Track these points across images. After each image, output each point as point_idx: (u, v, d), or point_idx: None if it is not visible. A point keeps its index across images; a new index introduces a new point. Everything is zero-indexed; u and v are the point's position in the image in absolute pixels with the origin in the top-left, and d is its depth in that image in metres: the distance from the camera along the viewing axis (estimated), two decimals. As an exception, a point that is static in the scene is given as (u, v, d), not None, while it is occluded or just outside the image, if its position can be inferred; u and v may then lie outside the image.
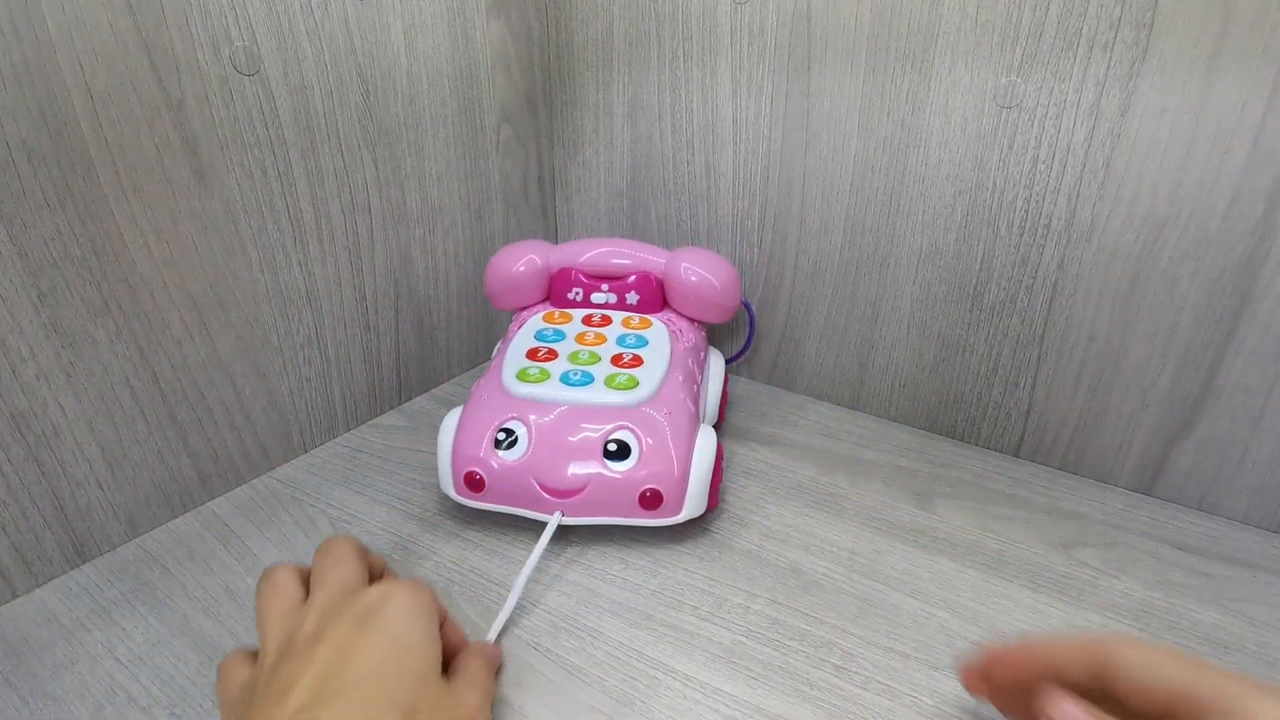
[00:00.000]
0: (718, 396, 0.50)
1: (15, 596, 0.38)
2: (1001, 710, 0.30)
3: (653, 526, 0.41)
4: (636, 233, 0.62)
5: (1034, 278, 0.46)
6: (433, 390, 0.60)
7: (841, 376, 0.57)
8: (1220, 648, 0.36)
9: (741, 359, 0.60)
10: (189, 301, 0.42)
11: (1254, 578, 0.41)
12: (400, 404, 0.57)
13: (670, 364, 0.45)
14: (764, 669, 0.34)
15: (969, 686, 0.30)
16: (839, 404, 0.58)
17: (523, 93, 0.60)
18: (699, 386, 0.47)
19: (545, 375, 0.43)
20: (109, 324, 0.39)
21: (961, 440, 0.53)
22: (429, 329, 0.58)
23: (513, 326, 0.50)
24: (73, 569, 0.40)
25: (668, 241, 0.61)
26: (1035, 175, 0.44)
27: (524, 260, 0.51)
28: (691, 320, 0.51)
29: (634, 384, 0.42)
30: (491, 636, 0.35)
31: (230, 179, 0.42)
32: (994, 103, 0.44)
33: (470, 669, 0.30)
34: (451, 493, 0.42)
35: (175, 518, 0.44)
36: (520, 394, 0.42)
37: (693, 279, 0.50)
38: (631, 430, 0.40)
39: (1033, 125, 0.43)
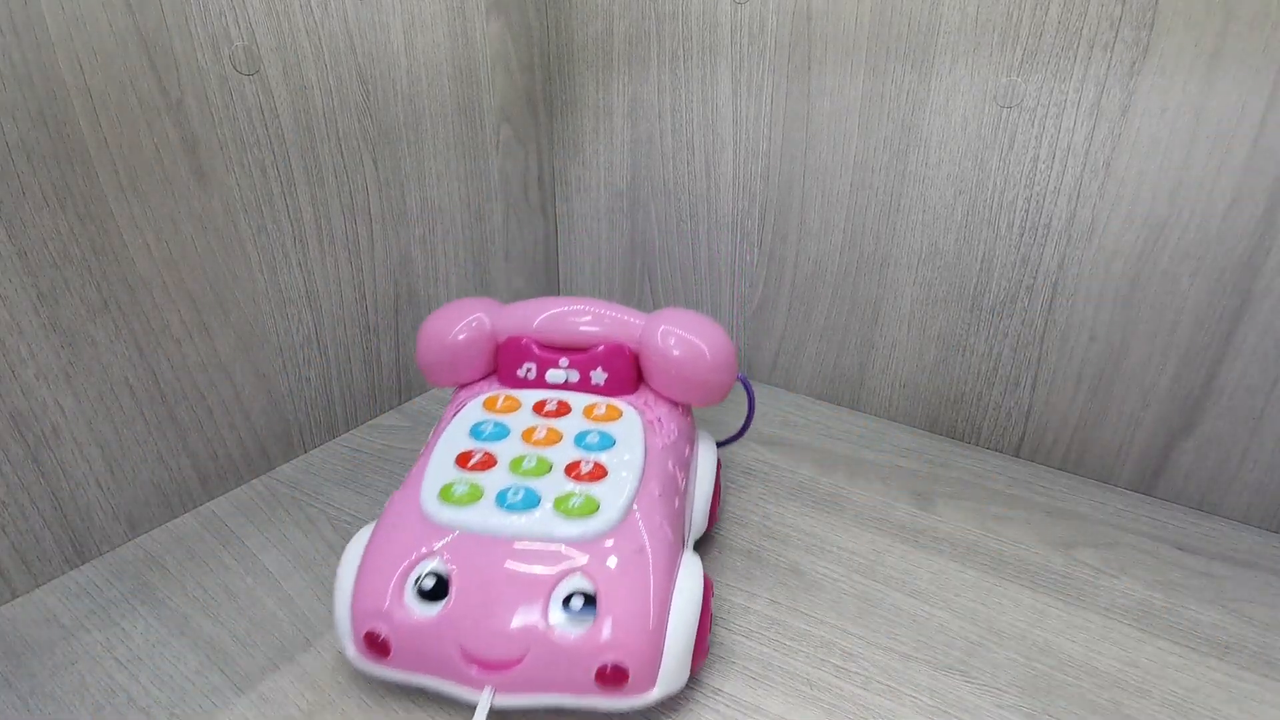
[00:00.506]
0: (708, 499, 0.40)
1: (15, 597, 0.38)
2: None
3: (613, 711, 0.31)
4: (636, 233, 0.62)
5: (1034, 278, 0.46)
6: (432, 390, 0.60)
7: (841, 376, 0.57)
8: (1220, 648, 0.36)
9: (738, 440, 0.51)
10: (189, 301, 0.42)
11: (1254, 578, 0.41)
12: (400, 404, 0.57)
13: (644, 472, 0.34)
14: (764, 669, 0.34)
15: None
16: (839, 404, 0.58)
17: (523, 93, 0.60)
18: (682, 496, 0.36)
19: (476, 494, 0.32)
20: (109, 324, 0.39)
21: (961, 440, 0.53)
22: (429, 329, 0.58)
23: (448, 410, 0.39)
24: (72, 569, 0.40)
25: (667, 241, 0.61)
26: (1035, 175, 0.44)
27: (466, 324, 0.40)
28: (675, 403, 0.40)
29: (593, 508, 0.31)
30: None
31: (230, 179, 0.42)
32: (994, 103, 0.44)
33: None
34: (349, 653, 0.31)
35: (175, 518, 0.44)
36: (443, 520, 0.31)
37: (676, 353, 0.38)
38: (588, 577, 0.30)
39: (1033, 125, 0.43)
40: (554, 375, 0.40)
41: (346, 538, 0.43)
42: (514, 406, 0.38)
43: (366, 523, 0.44)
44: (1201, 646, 0.36)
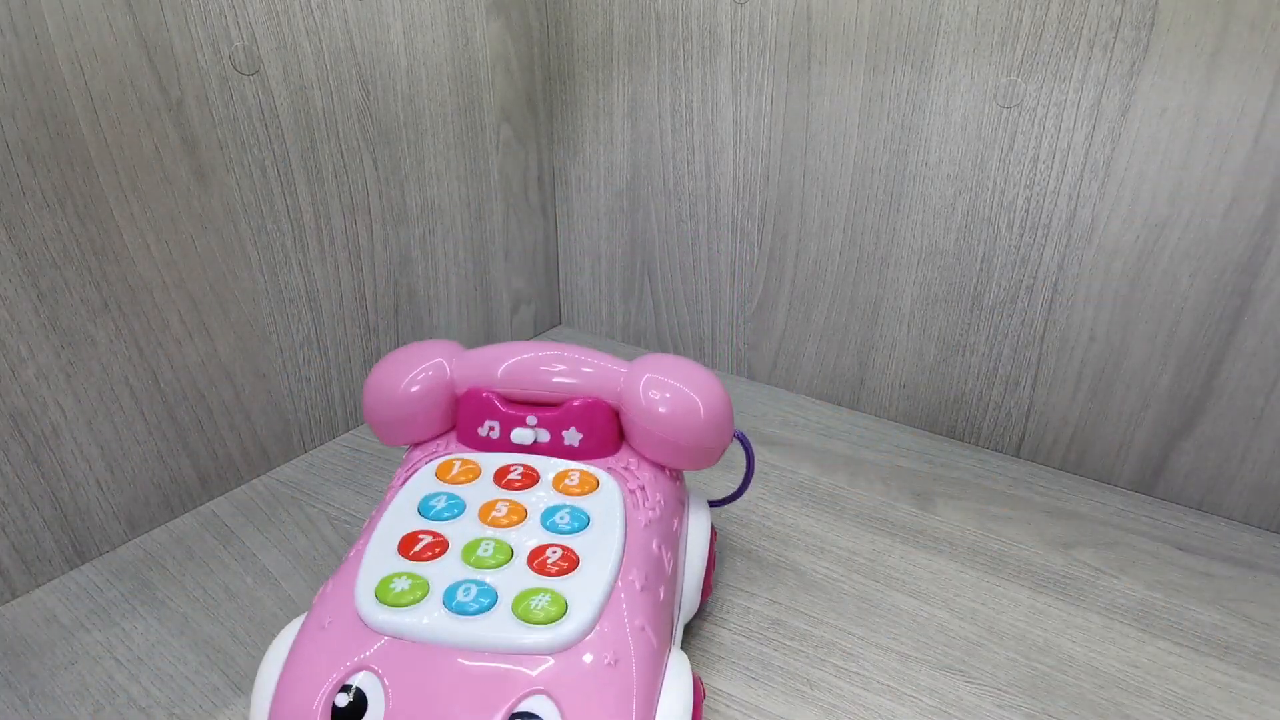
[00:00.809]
0: (700, 576, 0.34)
1: (15, 597, 0.38)
2: None
3: None
4: (636, 233, 0.62)
5: (1034, 278, 0.46)
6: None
7: (841, 376, 0.57)
8: (1220, 648, 0.36)
9: (735, 501, 0.43)
10: (189, 301, 0.42)
11: (1254, 578, 0.41)
12: (400, 404, 0.57)
13: (623, 560, 0.29)
14: (764, 669, 0.34)
15: None
16: (839, 404, 0.58)
17: (523, 93, 0.60)
18: (669, 584, 0.30)
19: (421, 592, 0.27)
20: (109, 324, 0.39)
21: (961, 440, 0.53)
22: (429, 329, 0.58)
23: (398, 474, 0.34)
24: (72, 569, 0.40)
25: (667, 241, 0.61)
26: (1035, 175, 0.44)
27: (421, 373, 0.35)
28: (661, 467, 0.34)
29: (560, 612, 0.26)
30: None
31: (230, 179, 0.42)
32: (994, 102, 0.44)
33: None
34: None
35: (175, 518, 0.44)
36: (378, 623, 0.26)
37: (662, 410, 0.33)
38: (552, 699, 0.24)
39: (1033, 125, 0.43)
40: (520, 435, 0.34)
41: (347, 538, 0.43)
42: (472, 475, 0.32)
43: (362, 521, 0.44)
44: (1201, 646, 0.36)
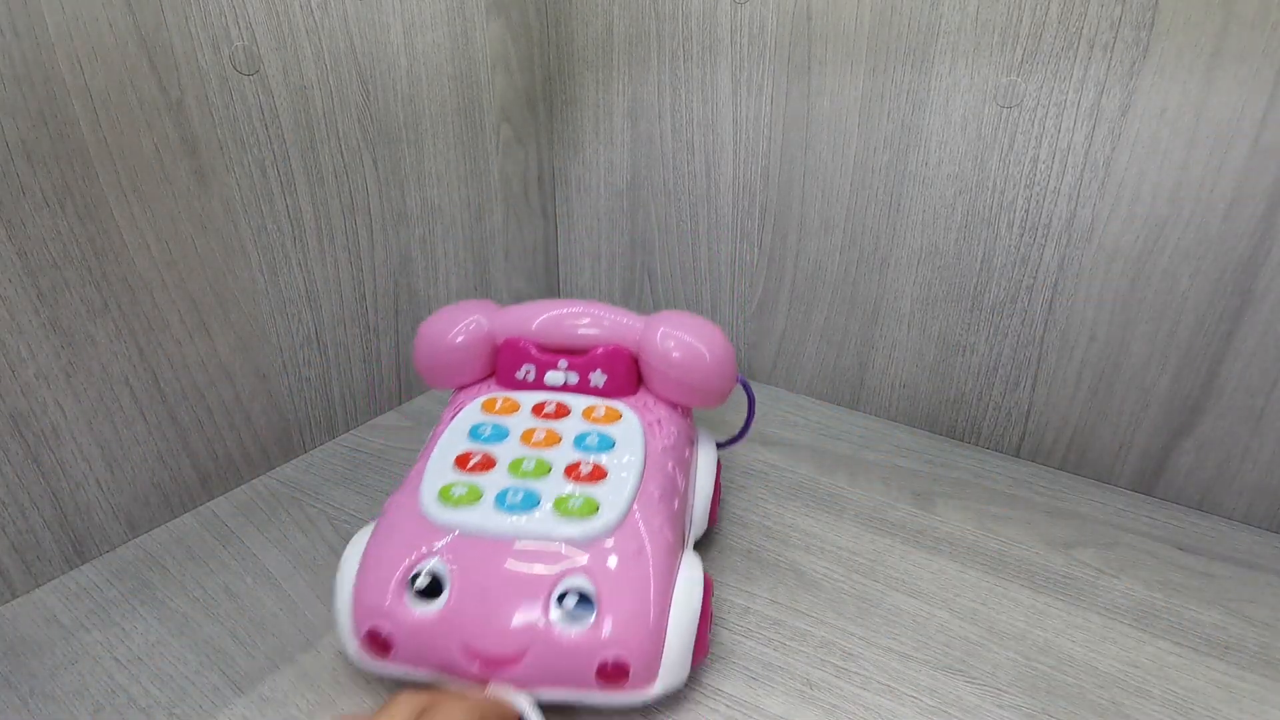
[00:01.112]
0: (708, 499, 0.40)
1: (15, 596, 0.38)
2: None
3: (615, 707, 0.31)
4: (636, 233, 0.62)
5: (1034, 278, 0.46)
6: (432, 390, 0.60)
7: (841, 376, 0.57)
8: (1220, 648, 0.36)
9: (739, 443, 0.51)
10: (189, 301, 0.42)
11: (1254, 578, 0.41)
12: (400, 404, 0.57)
13: (644, 474, 0.34)
14: (764, 669, 0.34)
15: None
16: (839, 404, 0.58)
17: (523, 93, 0.60)
18: (682, 498, 0.36)
19: (475, 495, 0.33)
20: (109, 324, 0.39)
21: (961, 440, 0.53)
22: (429, 329, 0.58)
23: (446, 412, 0.39)
24: (72, 569, 0.40)
25: (667, 241, 0.61)
26: (1035, 175, 0.44)
27: (464, 327, 0.40)
28: (674, 405, 0.40)
29: (592, 509, 0.32)
30: None
31: (230, 179, 0.42)
32: (994, 102, 0.44)
33: None
34: (350, 652, 0.31)
35: (175, 518, 0.44)
36: (442, 521, 0.32)
37: (675, 354, 0.39)
38: (588, 575, 0.30)
39: (1033, 125, 0.43)
40: (553, 377, 0.40)
41: (347, 538, 0.43)
42: (513, 408, 0.38)
43: (366, 523, 0.44)
44: (1201, 646, 0.36)
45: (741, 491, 0.47)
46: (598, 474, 0.34)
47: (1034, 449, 0.51)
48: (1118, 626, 0.37)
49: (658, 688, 0.30)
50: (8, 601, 0.38)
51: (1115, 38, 0.40)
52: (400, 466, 0.49)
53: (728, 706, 0.33)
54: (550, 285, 0.69)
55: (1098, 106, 0.41)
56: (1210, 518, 0.45)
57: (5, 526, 0.37)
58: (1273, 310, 0.40)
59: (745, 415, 0.46)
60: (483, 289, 0.61)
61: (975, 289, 0.49)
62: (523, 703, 0.29)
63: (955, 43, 0.44)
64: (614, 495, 0.33)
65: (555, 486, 0.33)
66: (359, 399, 0.54)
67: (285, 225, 0.46)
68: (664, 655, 0.30)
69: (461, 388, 0.41)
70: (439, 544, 0.31)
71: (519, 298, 0.65)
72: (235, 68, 0.41)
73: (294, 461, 0.50)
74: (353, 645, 0.31)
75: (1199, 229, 0.41)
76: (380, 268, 0.52)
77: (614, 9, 0.56)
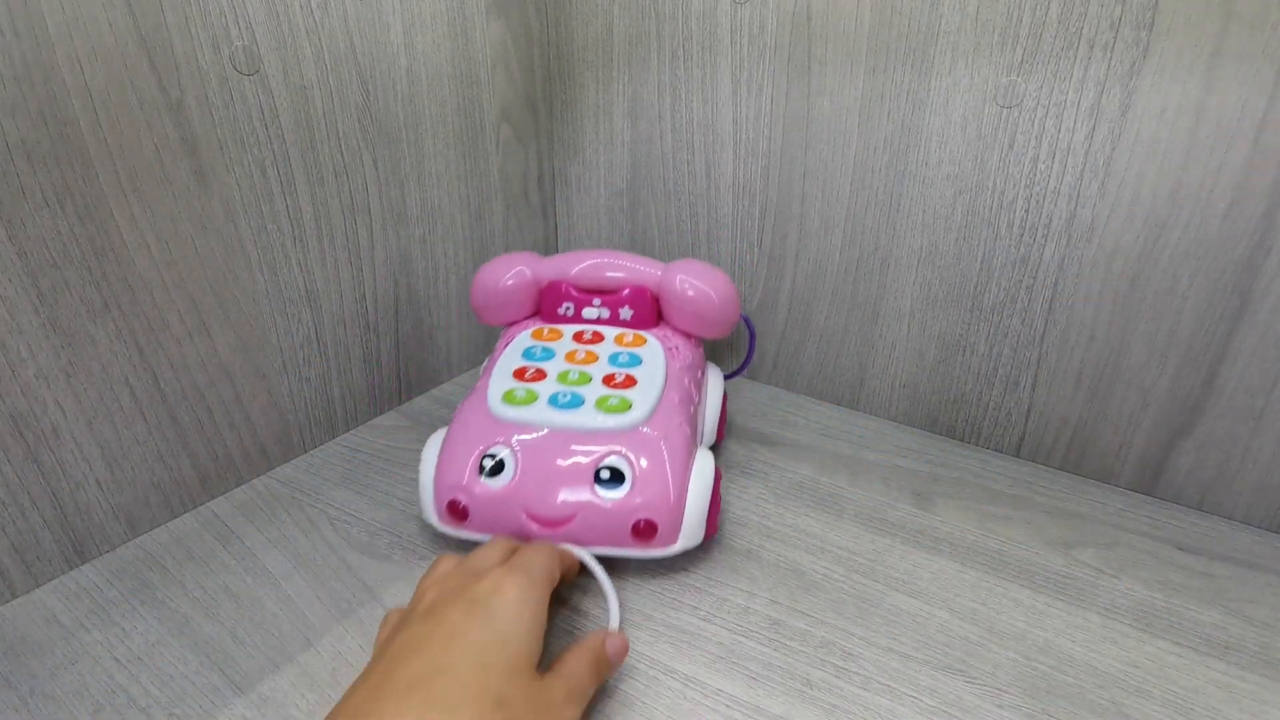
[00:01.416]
0: (716, 415, 0.48)
1: (15, 596, 0.38)
2: None
3: (646, 559, 0.40)
4: (636, 233, 0.62)
5: (1034, 278, 0.46)
6: (432, 390, 0.60)
7: (841, 376, 0.57)
8: (1220, 648, 0.36)
9: (742, 373, 0.59)
10: (189, 301, 0.42)
11: (1254, 578, 0.41)
12: (400, 404, 0.57)
13: (665, 384, 0.43)
14: (764, 669, 0.34)
15: None
16: (839, 404, 0.58)
17: (523, 93, 0.60)
18: (696, 407, 0.45)
19: (532, 397, 0.41)
20: (109, 324, 0.39)
21: (961, 440, 0.53)
22: (429, 329, 0.58)
23: (500, 343, 0.48)
24: (72, 569, 0.40)
25: (667, 241, 0.61)
26: (1035, 175, 0.44)
27: (513, 273, 0.49)
28: (688, 336, 0.48)
29: (626, 406, 0.40)
30: (614, 625, 0.35)
31: (230, 179, 0.42)
32: (994, 103, 0.44)
33: (568, 664, 0.31)
34: (434, 521, 0.40)
35: (175, 518, 0.44)
36: (506, 418, 0.40)
37: (690, 293, 0.47)
38: (624, 456, 0.38)
39: (1033, 125, 0.43)
40: (589, 312, 0.49)
41: (346, 538, 0.43)
42: (557, 336, 0.47)
43: (367, 521, 0.44)
44: (1201, 646, 0.36)
45: (742, 491, 0.47)
46: (629, 382, 0.42)
47: (1034, 449, 0.51)
48: (1118, 626, 0.37)
49: (679, 545, 0.38)
50: (8, 601, 0.38)
51: (1115, 38, 0.40)
52: (400, 466, 0.50)
53: (727, 706, 0.33)
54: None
55: (1098, 106, 0.41)
56: (1210, 518, 0.45)
57: (5, 526, 0.37)
58: (1273, 310, 0.40)
59: (746, 350, 0.56)
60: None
61: (975, 289, 0.49)
62: (584, 554, 0.37)
63: (955, 43, 0.44)
64: (643, 397, 0.41)
65: (596, 391, 0.41)
66: (359, 399, 0.54)
67: (285, 225, 0.46)
68: (684, 519, 0.38)
69: (510, 324, 0.50)
70: (504, 435, 0.39)
71: (519, 298, 0.65)
72: (235, 68, 0.41)
73: (294, 461, 0.50)
74: (435, 516, 0.40)
75: (1199, 229, 0.41)
76: (380, 268, 0.52)
77: (614, 9, 0.56)
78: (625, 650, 0.34)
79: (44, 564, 0.39)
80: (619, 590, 0.38)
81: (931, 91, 0.46)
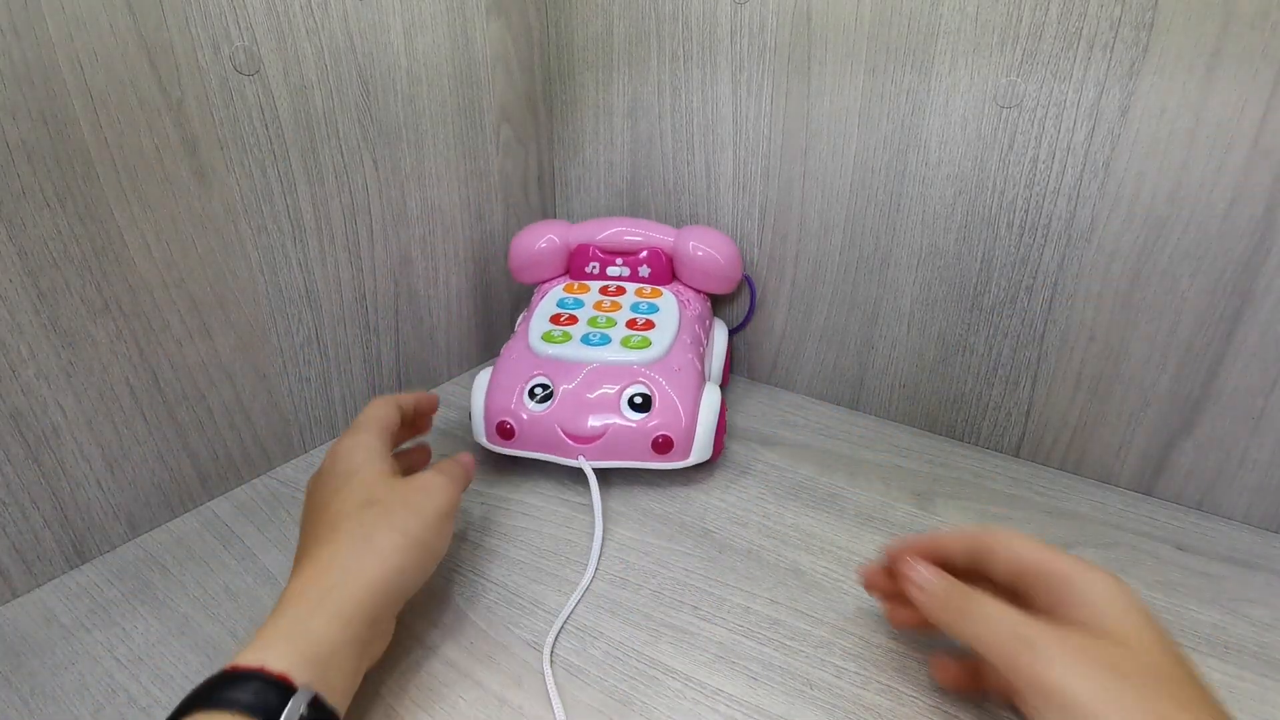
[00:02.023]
0: (722, 359, 0.55)
1: (15, 596, 0.38)
2: (889, 617, 0.36)
3: (664, 469, 0.46)
4: (636, 233, 0.63)
5: (1034, 278, 0.46)
6: (433, 390, 0.60)
7: (841, 376, 0.57)
8: (1220, 648, 0.36)
9: (744, 329, 0.61)
10: (189, 301, 0.42)
11: (1253, 577, 0.41)
12: (400, 404, 0.57)
13: (679, 328, 0.50)
14: (764, 669, 0.34)
15: (868, 585, 0.36)
16: (839, 404, 0.58)
17: (523, 93, 0.60)
18: (704, 349, 0.52)
19: (568, 337, 0.48)
20: (109, 324, 0.39)
21: (961, 440, 0.53)
22: (429, 329, 0.58)
23: (535, 298, 0.55)
24: (72, 569, 0.40)
25: (668, 241, 0.61)
26: (1035, 175, 0.44)
27: (545, 238, 0.56)
28: (698, 291, 0.55)
29: (647, 344, 0.47)
30: (590, 569, 0.40)
31: (230, 179, 0.42)
32: (994, 103, 0.44)
33: (424, 474, 0.36)
34: (484, 441, 0.47)
35: (175, 518, 0.44)
36: (546, 354, 0.47)
37: (699, 254, 0.54)
38: (646, 384, 0.45)
39: (1033, 125, 0.43)
40: (612, 270, 0.56)
41: (346, 538, 0.43)
42: (585, 290, 0.55)
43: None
44: (1201, 646, 0.36)
45: (742, 491, 0.47)
46: (649, 325, 0.50)
47: (1034, 449, 0.51)
48: (1118, 626, 0.37)
49: (691, 458, 0.45)
50: (8, 601, 0.38)
51: (1115, 38, 0.40)
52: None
53: (727, 706, 0.33)
54: (550, 285, 0.69)
55: (1097, 106, 0.41)
56: (1210, 518, 0.45)
57: (5, 526, 0.37)
58: (1273, 310, 0.40)
59: (747, 309, 0.60)
60: (483, 289, 0.62)
61: (975, 289, 0.49)
62: (585, 466, 0.44)
63: (955, 43, 0.44)
64: (661, 337, 0.48)
65: (621, 332, 0.49)
66: (359, 399, 0.54)
67: (285, 225, 0.46)
68: (695, 436, 0.45)
69: (541, 282, 0.57)
70: (545, 367, 0.46)
71: (519, 298, 0.65)
72: (235, 68, 0.41)
73: (294, 461, 0.50)
74: (485, 435, 0.47)
75: (1199, 229, 0.41)
76: (380, 268, 0.52)
77: (614, 9, 0.56)
78: (472, 465, 0.40)
79: (44, 564, 0.39)
80: (617, 585, 0.38)
81: (931, 92, 0.46)
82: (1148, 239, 0.42)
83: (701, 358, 0.50)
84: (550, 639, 0.35)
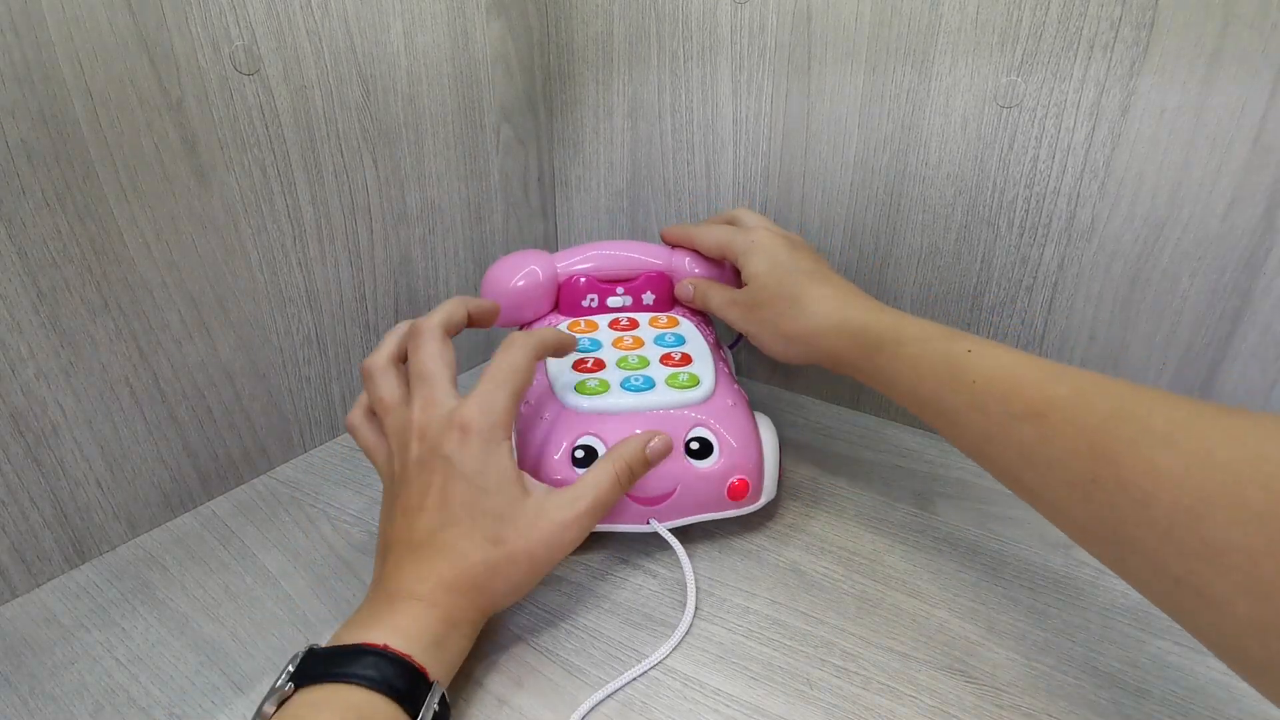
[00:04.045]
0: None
1: (15, 596, 0.38)
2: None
3: (741, 516, 0.42)
4: (636, 233, 0.62)
5: (1034, 278, 0.46)
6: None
7: (842, 377, 0.57)
8: (1220, 648, 0.36)
9: (739, 344, 0.58)
10: (189, 301, 0.42)
11: (1254, 578, 0.41)
12: (400, 404, 0.57)
13: (714, 357, 0.45)
14: (764, 669, 0.34)
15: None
16: (839, 404, 0.58)
17: (523, 93, 0.60)
18: (733, 375, 0.48)
19: (605, 386, 0.42)
20: (109, 324, 0.39)
21: (961, 440, 0.53)
22: (429, 329, 0.58)
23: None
24: (72, 569, 0.40)
25: (668, 241, 0.61)
26: (1035, 175, 0.44)
27: (523, 273, 0.48)
28: (697, 313, 0.52)
29: (696, 381, 0.42)
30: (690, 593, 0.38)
31: (230, 179, 0.42)
32: (994, 103, 0.44)
33: (586, 478, 0.36)
34: None
35: (175, 518, 0.44)
36: (586, 408, 0.40)
37: (697, 271, 0.50)
38: (708, 427, 0.40)
39: (1033, 125, 0.43)
40: (614, 301, 0.50)
41: (347, 538, 0.43)
42: (594, 328, 0.48)
43: (368, 521, 0.44)
44: (1201, 646, 0.36)
45: (741, 491, 0.47)
46: (686, 359, 0.44)
47: (1034, 449, 0.50)
48: (1118, 626, 0.37)
49: (763, 498, 0.42)
50: (8, 601, 0.38)
51: (1115, 38, 0.40)
52: None
53: (727, 706, 0.33)
54: (550, 285, 0.69)
55: (1098, 106, 0.41)
56: (1210, 518, 0.45)
57: (5, 526, 0.37)
58: (1273, 310, 0.40)
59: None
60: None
61: (975, 289, 0.49)
62: (664, 532, 0.39)
63: (955, 43, 0.44)
64: (705, 370, 0.43)
65: (661, 371, 0.43)
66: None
67: (285, 225, 0.46)
68: (764, 475, 0.41)
69: (526, 325, 0.50)
70: (586, 424, 0.40)
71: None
72: (235, 67, 0.41)
73: (294, 461, 0.50)
74: None
75: (1199, 229, 0.41)
76: (380, 268, 0.52)
77: (614, 9, 0.56)
78: (669, 448, 0.39)
79: (44, 564, 0.39)
80: (618, 586, 0.38)
81: (931, 91, 0.46)
82: (1148, 239, 0.42)
83: (739, 387, 0.45)
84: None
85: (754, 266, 0.44)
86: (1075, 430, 0.28)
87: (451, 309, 0.38)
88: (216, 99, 0.40)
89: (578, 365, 0.44)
